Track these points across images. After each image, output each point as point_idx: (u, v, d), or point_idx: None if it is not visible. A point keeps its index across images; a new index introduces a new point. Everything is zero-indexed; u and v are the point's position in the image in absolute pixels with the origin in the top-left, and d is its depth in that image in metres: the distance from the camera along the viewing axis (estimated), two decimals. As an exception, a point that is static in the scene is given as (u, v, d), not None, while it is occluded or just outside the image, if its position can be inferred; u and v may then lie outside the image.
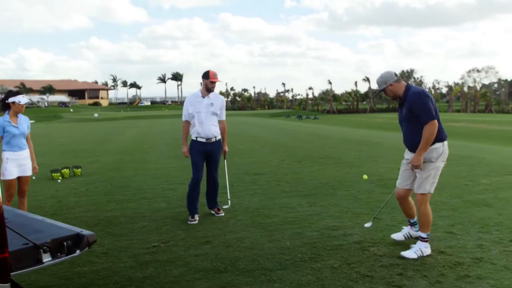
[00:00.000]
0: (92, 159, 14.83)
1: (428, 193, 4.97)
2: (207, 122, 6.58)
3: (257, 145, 17.76)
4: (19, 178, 6.26)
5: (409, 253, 4.87)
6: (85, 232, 2.87)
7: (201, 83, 6.85)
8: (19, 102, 6.06)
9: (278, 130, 28.36)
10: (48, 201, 8.48)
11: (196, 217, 6.63)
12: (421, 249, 4.90)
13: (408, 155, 5.19)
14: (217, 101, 6.75)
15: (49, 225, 2.93)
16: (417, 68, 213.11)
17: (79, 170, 11.70)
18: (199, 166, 6.70)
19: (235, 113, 75.98)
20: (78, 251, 2.74)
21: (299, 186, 9.00)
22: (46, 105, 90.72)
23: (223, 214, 6.86)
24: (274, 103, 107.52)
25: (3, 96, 6.26)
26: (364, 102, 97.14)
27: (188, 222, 6.47)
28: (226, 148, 7.04)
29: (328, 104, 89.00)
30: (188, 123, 6.79)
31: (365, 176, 6.81)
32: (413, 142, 4.99)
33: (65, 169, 11.41)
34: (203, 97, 6.66)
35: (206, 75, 6.59)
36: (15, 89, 6.40)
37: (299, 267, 4.68)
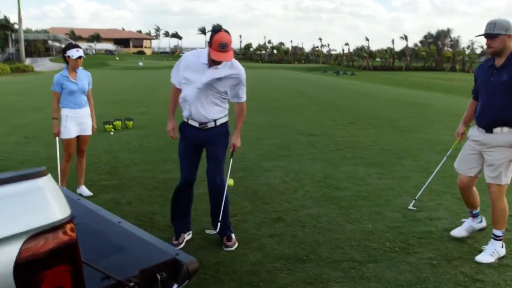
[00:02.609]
0: (141, 110, 14.19)
1: (505, 184, 3.91)
2: (204, 100, 3.90)
3: (304, 101, 16.76)
4: (78, 137, 5.59)
5: (486, 257, 3.89)
6: (183, 256, 2.02)
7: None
8: (72, 56, 5.29)
9: (320, 86, 27.14)
10: (103, 156, 7.86)
11: (183, 237, 4.22)
12: (496, 249, 3.94)
13: (480, 135, 3.96)
14: (230, 74, 3.89)
15: (131, 238, 2.13)
16: (453, 27, 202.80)
17: (131, 122, 11.07)
18: (189, 163, 4.15)
19: (273, 66, 74.26)
20: (175, 287, 1.87)
21: (361, 152, 8.10)
22: (94, 52, 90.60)
23: (233, 248, 4.09)
24: (310, 57, 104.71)
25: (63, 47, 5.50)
26: (399, 60, 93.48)
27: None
28: (238, 142, 4.20)
29: (363, 61, 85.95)
30: (177, 91, 4.10)
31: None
32: (502, 119, 3.79)
33: (117, 121, 10.78)
34: (209, 67, 3.84)
35: (210, 40, 3.73)
36: (74, 42, 5.63)
37: (392, 261, 3.87)
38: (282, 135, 9.84)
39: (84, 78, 5.50)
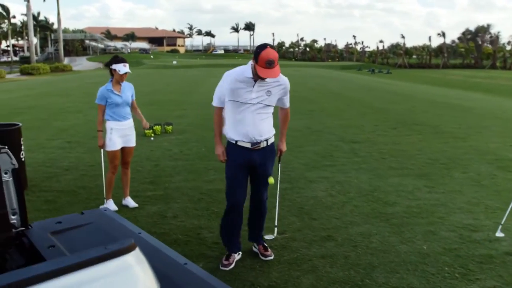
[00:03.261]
0: (179, 113, 14.27)
1: None
2: (256, 118, 3.78)
3: (341, 104, 16.50)
4: (122, 148, 5.57)
5: None
6: None
7: (255, 58, 3.63)
8: (118, 71, 5.27)
9: (355, 86, 26.73)
10: (145, 163, 7.89)
11: (234, 257, 4.11)
12: None
13: None
14: (277, 86, 3.83)
15: (197, 282, 2.02)
16: (492, 22, 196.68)
17: (170, 127, 11.12)
18: (240, 185, 3.98)
19: (306, 64, 73.75)
20: None
21: (406, 162, 7.87)
22: (129, 51, 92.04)
23: (272, 258, 4.18)
24: (343, 55, 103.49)
25: (110, 60, 5.49)
26: (436, 57, 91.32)
27: (220, 267, 4.01)
28: (284, 147, 4.21)
29: (399, 58, 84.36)
30: (221, 110, 4.01)
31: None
32: None
33: (157, 126, 10.83)
34: (255, 81, 3.74)
35: (256, 57, 3.58)
36: (120, 55, 5.57)
37: (453, 289, 3.70)
38: (323, 142, 9.68)
39: (128, 90, 5.50)
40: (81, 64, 61.67)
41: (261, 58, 3.54)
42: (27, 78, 38.77)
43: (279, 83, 3.85)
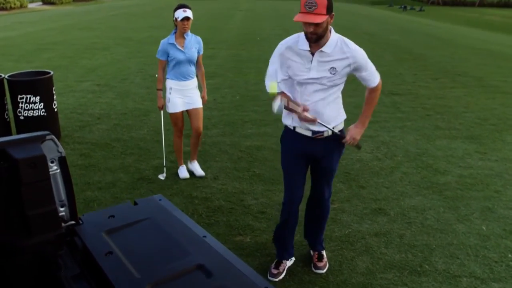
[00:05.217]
0: (208, 53, 13.76)
1: None
2: (319, 103, 3.04)
3: (377, 48, 15.75)
4: (188, 112, 4.97)
5: None
6: None
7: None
8: (178, 17, 4.61)
9: (389, 26, 25.55)
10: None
11: (285, 265, 3.51)
12: None
13: None
14: (344, 59, 2.95)
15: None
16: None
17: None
18: (297, 179, 3.31)
19: (334, -2, 70.61)
20: None
21: (454, 121, 7.44)
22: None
23: (324, 271, 3.50)
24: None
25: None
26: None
27: (269, 277, 3.38)
28: (357, 133, 3.25)
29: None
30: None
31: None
32: None
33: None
34: (312, 54, 2.95)
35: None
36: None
37: (521, 281, 3.45)
38: (361, 92, 9.16)
39: (193, 45, 4.78)
40: (103, -8, 60.20)
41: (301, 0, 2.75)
42: (49, 8, 38.11)
43: (345, 56, 2.93)
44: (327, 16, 2.75)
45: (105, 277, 1.85)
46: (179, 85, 4.81)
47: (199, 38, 4.90)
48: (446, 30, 24.81)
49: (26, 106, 5.83)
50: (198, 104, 4.95)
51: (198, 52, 4.87)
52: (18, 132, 6.14)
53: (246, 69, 11.45)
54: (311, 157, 3.24)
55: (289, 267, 3.54)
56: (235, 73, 10.92)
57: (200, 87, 5.05)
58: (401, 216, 4.35)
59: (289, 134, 3.24)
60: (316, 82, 2.99)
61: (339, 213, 4.39)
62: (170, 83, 4.82)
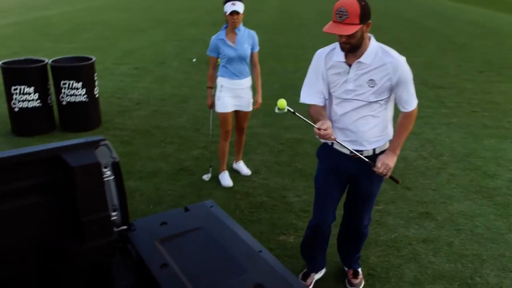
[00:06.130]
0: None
1: None
2: (354, 116, 2.78)
3: (417, 35, 15.27)
4: (236, 112, 4.67)
5: None
6: None
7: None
8: (226, 12, 4.27)
9: (430, 12, 24.75)
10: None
11: (312, 278, 3.32)
12: None
13: None
14: (382, 67, 2.65)
15: None
16: None
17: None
18: (330, 200, 3.05)
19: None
20: None
21: (502, 119, 7.14)
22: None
23: None
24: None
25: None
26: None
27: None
28: (392, 163, 2.84)
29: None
30: (319, 108, 2.89)
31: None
32: None
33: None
34: (348, 64, 2.69)
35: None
36: None
37: None
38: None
39: (245, 40, 4.41)
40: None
41: (334, 8, 2.52)
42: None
43: (384, 66, 2.62)
44: (361, 25, 2.50)
45: None
46: (230, 83, 4.49)
47: (253, 33, 4.54)
48: (490, 18, 23.87)
49: (69, 92, 5.86)
50: (249, 107, 4.66)
51: (253, 49, 4.53)
52: (60, 117, 6.19)
53: (284, 56, 11.26)
54: (349, 178, 2.99)
55: (318, 279, 3.37)
56: (273, 60, 10.74)
57: (254, 88, 4.70)
58: (449, 222, 4.20)
59: (326, 149, 2.98)
60: (355, 98, 2.73)
61: (385, 216, 4.26)
62: (221, 81, 4.51)
